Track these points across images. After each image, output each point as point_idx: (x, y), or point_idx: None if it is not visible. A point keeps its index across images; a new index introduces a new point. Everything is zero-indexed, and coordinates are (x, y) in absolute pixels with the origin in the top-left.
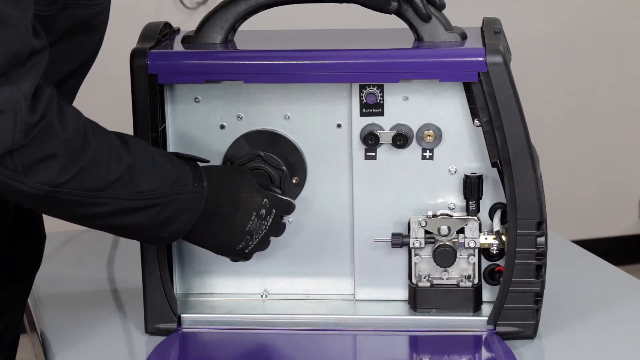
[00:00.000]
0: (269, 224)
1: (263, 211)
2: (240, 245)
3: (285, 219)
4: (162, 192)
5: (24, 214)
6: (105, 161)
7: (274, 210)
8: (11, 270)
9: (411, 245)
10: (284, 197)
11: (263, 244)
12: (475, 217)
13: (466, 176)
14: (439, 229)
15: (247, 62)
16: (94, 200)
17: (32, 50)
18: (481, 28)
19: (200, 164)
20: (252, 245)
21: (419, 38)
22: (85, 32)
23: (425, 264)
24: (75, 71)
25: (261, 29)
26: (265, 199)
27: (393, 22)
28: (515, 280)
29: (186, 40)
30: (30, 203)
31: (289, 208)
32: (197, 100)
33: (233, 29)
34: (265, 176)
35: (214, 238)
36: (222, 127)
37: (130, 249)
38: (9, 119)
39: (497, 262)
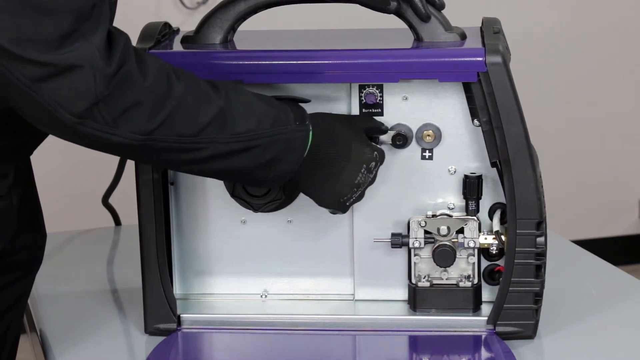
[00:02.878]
0: (373, 177)
1: (372, 164)
2: (346, 196)
3: (285, 218)
4: (261, 133)
5: (26, 212)
6: (195, 105)
7: (379, 163)
8: (13, 269)
9: (411, 245)
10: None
11: (361, 196)
12: (475, 217)
13: (466, 176)
14: (438, 229)
15: (246, 62)
16: (189, 145)
17: (93, 3)
18: (481, 28)
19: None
20: (354, 198)
21: (418, 38)
22: (90, 34)
23: (424, 264)
24: None
25: (261, 29)
26: (376, 152)
27: (393, 22)
28: (514, 280)
29: (186, 40)
30: (128, 154)
31: (383, 158)
32: None
33: (233, 29)
34: (371, 119)
35: (320, 187)
36: None
37: (130, 249)
38: (87, 73)
39: (497, 262)
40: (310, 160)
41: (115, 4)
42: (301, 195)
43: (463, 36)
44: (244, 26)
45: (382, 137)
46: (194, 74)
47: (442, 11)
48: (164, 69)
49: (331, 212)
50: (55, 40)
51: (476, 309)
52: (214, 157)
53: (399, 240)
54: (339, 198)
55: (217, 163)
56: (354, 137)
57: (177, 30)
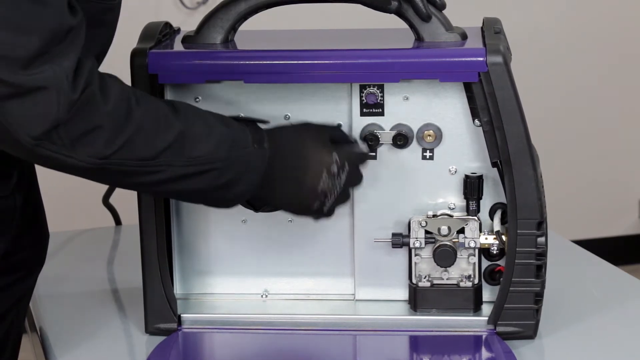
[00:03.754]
0: (343, 179)
1: (334, 168)
2: (315, 205)
3: (286, 218)
4: (219, 156)
5: (29, 212)
6: (153, 129)
7: (346, 164)
8: (16, 269)
9: (411, 245)
10: (357, 147)
11: (343, 198)
12: (476, 217)
13: (466, 176)
14: (439, 229)
15: (247, 62)
16: (147, 169)
17: (69, 27)
18: (481, 28)
19: (262, 126)
20: (329, 203)
21: (419, 38)
22: (96, 27)
23: (425, 264)
24: None
25: (261, 29)
26: (335, 154)
27: (393, 22)
28: (515, 280)
29: (186, 40)
30: (86, 176)
31: (363, 158)
32: (197, 100)
33: (233, 28)
34: (335, 128)
35: (286, 200)
36: None
37: (130, 249)
38: (52, 96)
39: (497, 262)
40: (269, 178)
41: (119, 6)
42: None
43: (464, 36)
44: (245, 26)
45: (383, 137)
46: (155, 97)
47: (443, 11)
48: (125, 93)
49: (314, 219)
50: (25, 60)
51: (477, 309)
52: (171, 180)
53: (399, 240)
54: (309, 207)
55: (174, 185)
56: (312, 146)
57: (178, 30)
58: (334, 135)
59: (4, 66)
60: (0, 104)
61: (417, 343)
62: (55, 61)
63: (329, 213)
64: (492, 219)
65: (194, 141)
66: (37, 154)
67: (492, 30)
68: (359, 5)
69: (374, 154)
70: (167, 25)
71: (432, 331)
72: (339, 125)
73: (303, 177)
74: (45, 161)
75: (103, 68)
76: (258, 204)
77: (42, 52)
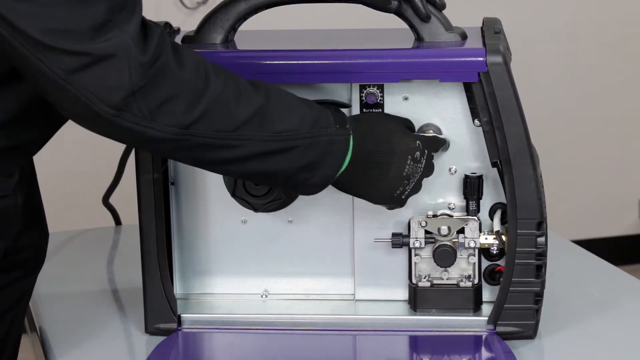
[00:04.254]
0: (423, 166)
1: (417, 153)
2: (398, 191)
3: (286, 218)
4: (301, 133)
5: (29, 211)
6: (233, 100)
7: (426, 151)
8: (16, 268)
9: (411, 245)
10: (431, 134)
11: (417, 188)
12: (476, 217)
13: (466, 176)
14: (439, 229)
15: (247, 62)
16: (227, 142)
17: None
18: (481, 28)
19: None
20: (408, 190)
21: (419, 38)
22: None
23: (425, 264)
24: None
25: (261, 29)
26: (418, 141)
27: (393, 22)
28: (515, 280)
29: (186, 40)
30: (164, 149)
31: (439, 143)
32: None
33: (233, 29)
34: (408, 120)
35: (371, 187)
36: None
37: (131, 249)
38: (122, 62)
39: (497, 262)
40: (354, 163)
41: None
42: (301, 195)
43: (464, 36)
44: (245, 26)
45: None
46: (230, 71)
47: (443, 11)
48: (201, 63)
49: (388, 208)
50: (89, 30)
51: (477, 309)
52: (251, 157)
53: (399, 240)
54: (392, 193)
55: (255, 163)
56: (394, 132)
57: (178, 30)
58: (409, 125)
59: (72, 38)
60: (75, 76)
61: (417, 343)
62: (120, 27)
63: (404, 202)
64: (492, 219)
65: (276, 116)
66: (117, 126)
67: (492, 30)
68: (359, 5)
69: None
70: (167, 25)
71: (432, 331)
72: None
73: (389, 161)
74: (125, 134)
75: None
76: (342, 189)
77: (106, 21)
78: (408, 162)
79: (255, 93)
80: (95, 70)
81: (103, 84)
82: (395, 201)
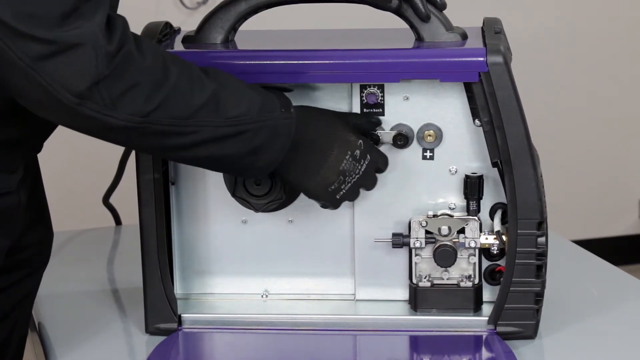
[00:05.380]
0: (362, 170)
1: (357, 152)
2: (333, 185)
3: (286, 218)
4: (251, 118)
5: (34, 209)
6: (189, 88)
7: (368, 156)
8: (21, 267)
9: (412, 245)
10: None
11: (354, 193)
12: (476, 217)
13: (467, 176)
14: (439, 229)
15: (247, 62)
16: (184, 128)
17: None
18: (482, 28)
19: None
20: (343, 190)
21: (419, 38)
22: None
23: (425, 264)
24: None
25: (261, 29)
26: (360, 141)
27: (393, 22)
28: (515, 280)
29: (187, 40)
30: (123, 138)
31: (384, 162)
32: None
33: (233, 28)
34: (360, 115)
35: (306, 175)
36: None
37: (131, 248)
38: (89, 50)
39: (498, 262)
40: (294, 148)
41: None
42: (302, 195)
43: (464, 36)
44: (245, 26)
45: (383, 137)
46: (184, 59)
47: (443, 11)
48: (160, 52)
49: (322, 206)
50: (58, 18)
51: (477, 309)
52: (206, 142)
53: (399, 240)
54: (326, 186)
55: (208, 148)
56: (339, 125)
57: (178, 30)
58: (360, 123)
59: (40, 24)
60: (41, 64)
61: (417, 343)
62: (87, 17)
63: (338, 203)
64: (492, 219)
65: (227, 102)
66: (80, 115)
67: (492, 30)
68: (359, 5)
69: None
70: (167, 25)
71: (432, 331)
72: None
73: (328, 151)
74: (87, 123)
75: None
76: (281, 174)
77: (74, 9)
78: (347, 157)
79: (208, 80)
80: (62, 59)
81: (68, 73)
82: (328, 197)
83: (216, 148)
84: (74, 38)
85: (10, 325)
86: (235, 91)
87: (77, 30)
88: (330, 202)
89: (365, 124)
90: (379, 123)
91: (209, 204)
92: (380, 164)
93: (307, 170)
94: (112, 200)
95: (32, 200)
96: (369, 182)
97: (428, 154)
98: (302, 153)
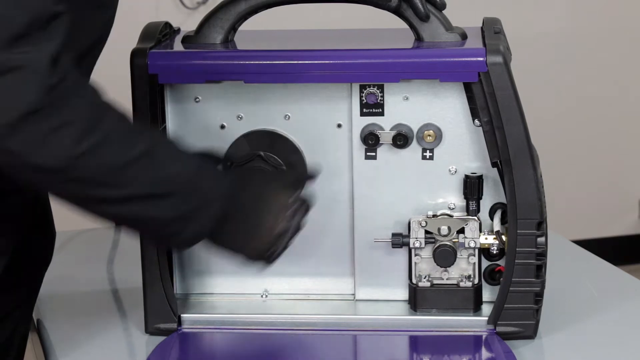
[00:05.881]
0: (296, 223)
1: (291, 212)
2: (271, 249)
3: None
4: (185, 180)
5: (38, 210)
6: (123, 138)
7: (302, 209)
8: (24, 268)
9: (411, 245)
10: (308, 193)
11: (286, 247)
12: (476, 217)
13: (466, 176)
14: (439, 229)
15: (247, 62)
16: (111, 179)
17: (54, 13)
18: (481, 28)
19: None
20: (279, 249)
21: (419, 38)
22: (95, 7)
23: (425, 264)
24: (88, 50)
25: (261, 29)
26: (294, 198)
27: (393, 22)
28: (515, 280)
29: (186, 40)
30: (43, 180)
31: (310, 205)
32: (197, 100)
33: (233, 28)
34: (293, 172)
35: (240, 242)
36: (222, 127)
37: (131, 249)
38: (28, 76)
39: (497, 262)
40: (229, 215)
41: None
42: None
43: (464, 36)
44: (245, 26)
45: (383, 137)
46: (125, 113)
47: (443, 11)
48: (99, 98)
49: (257, 266)
50: (6, 40)
51: (477, 309)
52: (131, 198)
53: (399, 240)
54: (262, 252)
55: (133, 206)
56: (272, 187)
57: (178, 30)
58: (295, 180)
59: None
60: None
61: (417, 343)
62: (37, 45)
63: (273, 260)
64: (492, 219)
65: (161, 161)
66: (4, 147)
67: (492, 30)
68: (359, 5)
69: (373, 154)
70: (167, 25)
71: (432, 331)
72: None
73: (263, 218)
74: (8, 157)
75: (101, 68)
76: (216, 243)
77: (24, 34)
78: (281, 220)
79: (145, 135)
80: (2, 82)
81: (4, 96)
82: (266, 258)
83: (142, 207)
84: (17, 61)
85: (12, 324)
86: (171, 152)
87: (23, 55)
88: (268, 262)
89: (300, 180)
90: (314, 176)
91: None
92: (308, 208)
93: (240, 239)
94: None
95: (37, 201)
96: (298, 231)
97: (428, 154)
98: (234, 222)
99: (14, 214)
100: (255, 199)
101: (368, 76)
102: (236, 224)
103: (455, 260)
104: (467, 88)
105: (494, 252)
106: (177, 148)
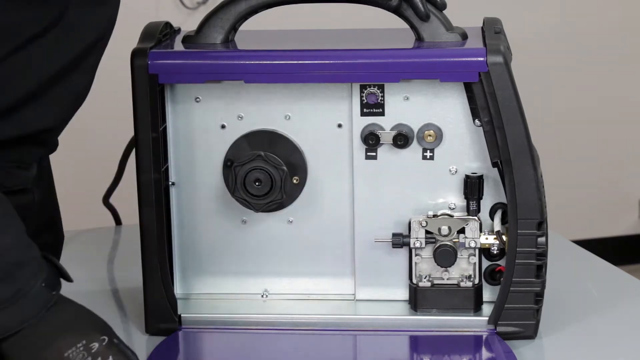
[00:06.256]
0: None
1: (95, 345)
2: None
3: (286, 218)
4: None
5: (47, 212)
6: None
7: (111, 357)
8: None
9: (412, 245)
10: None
11: None
12: (476, 217)
13: (467, 176)
14: (439, 229)
15: (247, 62)
16: None
17: None
18: (482, 28)
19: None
20: None
21: (419, 38)
22: (95, 5)
23: (425, 264)
24: (92, 47)
25: (261, 29)
26: (105, 337)
27: (393, 22)
28: (515, 280)
29: (187, 40)
30: None
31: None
32: (197, 100)
33: (234, 28)
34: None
35: (25, 355)
36: (223, 127)
37: (131, 248)
38: None
39: (498, 262)
40: (32, 326)
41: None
42: (302, 195)
43: (464, 36)
44: (245, 26)
45: (383, 137)
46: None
47: (444, 11)
48: None
49: None
50: None
51: (477, 309)
52: None
53: (399, 240)
54: None
55: None
56: (89, 317)
57: (178, 30)
58: (116, 342)
59: None
60: None
61: (417, 343)
62: None
63: None
64: (492, 219)
65: None
66: None
67: (492, 30)
68: (359, 5)
69: (374, 154)
70: (167, 25)
71: (432, 331)
72: None
73: (59, 338)
74: None
75: (101, 68)
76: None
77: None
78: (78, 345)
79: None
80: None
81: None
82: None
83: None
84: None
85: None
86: (6, 230)
87: None
88: None
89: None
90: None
91: (209, 204)
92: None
93: (30, 353)
94: (112, 200)
95: (45, 202)
96: None
97: (428, 154)
98: (30, 332)
99: (23, 213)
100: (63, 330)
101: (368, 76)
102: (26, 337)
103: (455, 260)
104: (468, 88)
105: (495, 252)
106: (9, 222)
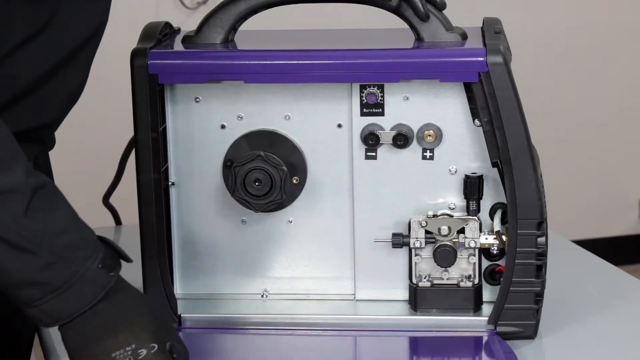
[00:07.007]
0: None
1: (143, 352)
2: None
3: (286, 218)
4: (49, 246)
5: None
6: (6, 154)
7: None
8: None
9: (411, 245)
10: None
11: None
12: (476, 217)
13: (466, 176)
14: (439, 229)
15: (247, 62)
16: None
17: None
18: (481, 28)
19: None
20: None
21: (419, 38)
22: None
23: (425, 264)
24: (84, 44)
25: (261, 29)
26: (154, 344)
27: (393, 22)
28: (515, 280)
29: (186, 40)
30: None
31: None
32: (197, 100)
33: (233, 28)
34: (173, 337)
35: (82, 343)
36: (223, 127)
37: (131, 248)
38: None
39: (498, 262)
40: (89, 315)
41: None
42: (302, 195)
43: (464, 36)
44: (245, 26)
45: (383, 137)
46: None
47: (443, 11)
48: None
49: None
50: None
51: (477, 309)
52: None
53: (399, 240)
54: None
55: None
56: (145, 317)
57: (178, 30)
58: (168, 340)
59: None
60: None
61: (417, 343)
62: None
63: None
64: (492, 219)
65: (33, 210)
66: None
67: (492, 30)
68: (359, 5)
69: (373, 154)
70: (167, 25)
71: (432, 331)
72: None
73: (115, 335)
74: None
75: (101, 68)
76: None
77: None
78: (126, 348)
79: (32, 177)
80: None
81: None
82: None
83: None
84: None
85: (21, 318)
86: (52, 209)
87: None
88: None
89: (172, 344)
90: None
91: (209, 204)
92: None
93: (85, 342)
94: (112, 200)
95: None
96: None
97: (428, 154)
98: (91, 323)
99: None
100: (119, 317)
101: (368, 76)
102: (89, 327)
103: (455, 260)
104: (467, 88)
105: (494, 252)
106: (64, 210)
